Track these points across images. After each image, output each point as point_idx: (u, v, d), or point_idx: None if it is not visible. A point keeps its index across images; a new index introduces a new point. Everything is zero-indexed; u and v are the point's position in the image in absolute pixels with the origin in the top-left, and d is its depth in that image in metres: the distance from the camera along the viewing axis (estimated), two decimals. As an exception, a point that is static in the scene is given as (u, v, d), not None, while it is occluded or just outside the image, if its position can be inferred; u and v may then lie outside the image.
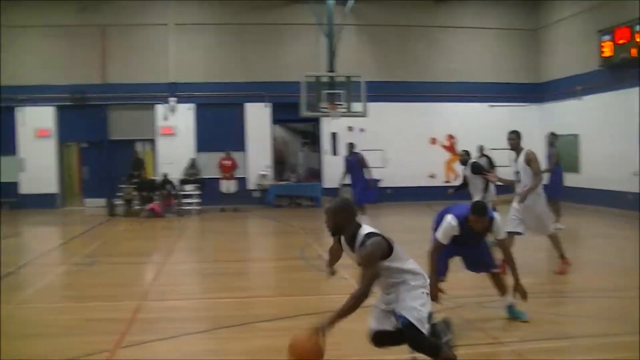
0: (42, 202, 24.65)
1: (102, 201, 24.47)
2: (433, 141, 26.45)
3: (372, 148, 24.46)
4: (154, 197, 22.71)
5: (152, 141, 25.79)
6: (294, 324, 7.84)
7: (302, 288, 10.55)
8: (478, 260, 7.97)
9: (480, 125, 25.35)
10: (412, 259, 5.75)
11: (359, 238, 5.51)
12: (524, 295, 7.57)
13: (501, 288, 8.08)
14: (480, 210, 7.41)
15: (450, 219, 7.49)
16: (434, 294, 7.14)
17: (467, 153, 14.41)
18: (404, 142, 25.68)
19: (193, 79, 25.41)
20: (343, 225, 5.61)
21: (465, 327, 7.58)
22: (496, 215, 7.64)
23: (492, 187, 13.69)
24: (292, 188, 25.69)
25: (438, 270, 7.55)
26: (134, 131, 25.75)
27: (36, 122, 25.00)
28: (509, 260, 7.70)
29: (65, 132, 25.51)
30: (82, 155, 26.66)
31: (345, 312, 5.21)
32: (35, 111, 24.99)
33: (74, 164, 27.38)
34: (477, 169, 13.67)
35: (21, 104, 24.94)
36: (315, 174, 26.57)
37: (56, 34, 25.02)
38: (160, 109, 25.48)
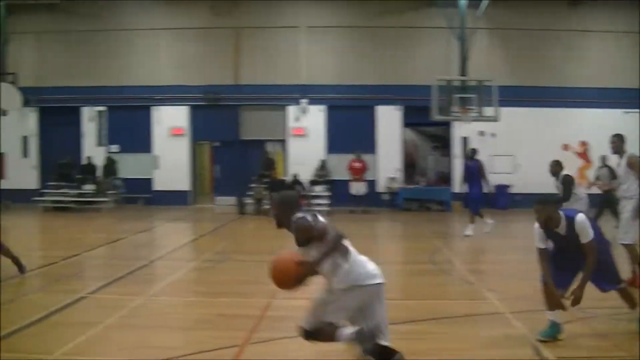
0: (174, 198, 25.40)
1: (232, 199, 24.93)
2: (565, 147, 25.48)
3: (503, 153, 23.86)
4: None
5: (283, 142, 26.08)
6: (426, 328, 7.64)
7: (433, 292, 10.30)
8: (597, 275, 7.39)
9: (613, 131, 24.10)
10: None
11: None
12: None
13: (629, 301, 7.58)
14: (539, 200, 7.08)
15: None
16: (552, 303, 7.06)
17: (558, 164, 13.16)
18: (535, 147, 24.82)
19: (324, 81, 25.53)
20: (282, 218, 5.84)
21: (594, 339, 7.19)
22: (580, 216, 7.10)
23: (585, 197, 12.62)
24: (422, 192, 25.36)
25: (554, 281, 7.09)
26: (265, 131, 26.11)
27: (171, 121, 25.81)
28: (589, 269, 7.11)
29: (199, 131, 26.18)
30: (214, 154, 27.28)
31: (325, 254, 5.58)
32: (170, 110, 25.80)
33: (206, 163, 28.07)
34: (567, 183, 12.60)
35: (157, 104, 25.79)
36: (445, 178, 26.15)
37: (191, 36, 25.74)
38: (291, 110, 25.73)
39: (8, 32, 25.32)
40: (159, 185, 25.94)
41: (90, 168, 25.14)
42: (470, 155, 17.91)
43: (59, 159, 25.26)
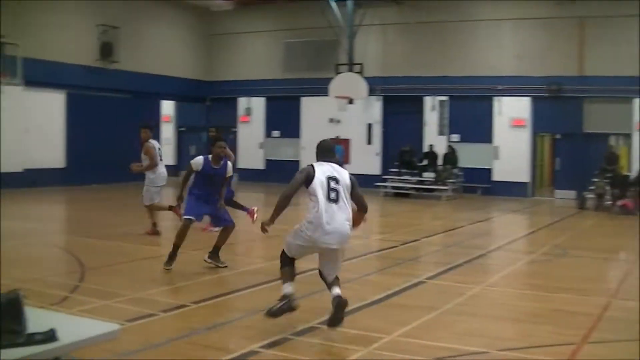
0: (513, 190, 25.19)
1: (572, 193, 24.10)
2: None
3: None
4: (627, 194, 21.65)
5: (627, 135, 24.60)
6: None
7: None
8: None
9: None
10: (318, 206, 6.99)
11: None
12: None
13: None
14: None
15: None
16: None
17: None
18: None
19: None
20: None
21: None
22: None
23: None
24: None
25: None
26: (609, 125, 24.76)
27: (512, 112, 25.60)
28: None
29: (540, 123, 25.62)
30: (554, 146, 26.59)
31: (276, 210, 7.38)
32: (511, 101, 25.59)
33: (546, 155, 27.45)
34: None
35: (499, 94, 25.71)
36: None
37: (534, 26, 25.23)
38: (636, 102, 24.11)
39: (356, 25, 26.80)
40: (498, 175, 25.91)
41: (431, 156, 25.82)
42: None
43: (401, 146, 26.28)
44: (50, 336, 3.56)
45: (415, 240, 14.26)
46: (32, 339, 3.51)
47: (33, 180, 23.15)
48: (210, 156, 10.53)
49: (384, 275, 10.54)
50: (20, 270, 10.02)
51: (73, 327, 3.93)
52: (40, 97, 24.08)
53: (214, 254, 10.52)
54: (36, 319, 3.71)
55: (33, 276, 9.57)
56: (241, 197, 19.41)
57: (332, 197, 7.03)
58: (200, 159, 10.52)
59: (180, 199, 11.22)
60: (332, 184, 7.06)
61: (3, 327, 3.47)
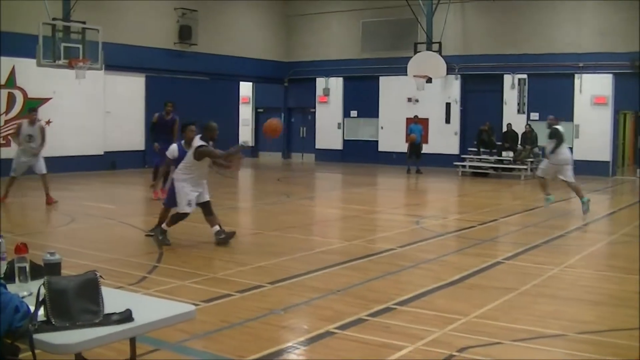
0: (594, 169, 24.63)
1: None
2: None
3: None
4: None
5: None
6: None
7: None
8: None
9: None
10: None
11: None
12: None
13: None
14: None
15: None
16: None
17: None
18: None
19: None
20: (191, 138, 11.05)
21: None
22: None
23: None
24: None
25: None
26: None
27: (593, 90, 25.00)
28: None
29: (622, 101, 24.96)
30: (637, 124, 25.89)
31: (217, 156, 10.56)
32: (593, 79, 25.01)
33: (628, 133, 26.76)
34: None
35: (580, 71, 25.16)
36: None
37: (615, 1, 24.51)
38: None
39: (434, 3, 26.55)
40: (578, 154, 25.22)
41: (510, 135, 25.47)
42: None
43: (480, 125, 26.02)
44: (126, 316, 3.66)
45: (493, 221, 14.18)
46: (109, 319, 3.62)
47: (113, 162, 23.83)
48: (183, 142, 11.48)
49: (462, 255, 10.54)
50: (99, 251, 10.41)
51: (149, 307, 4.06)
52: (120, 80, 24.70)
53: (160, 228, 10.98)
54: (113, 299, 3.83)
55: (112, 256, 9.93)
56: (320, 177, 19.69)
57: None
58: (174, 146, 11.57)
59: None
60: None
61: (80, 307, 3.59)
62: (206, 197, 10.94)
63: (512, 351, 6.04)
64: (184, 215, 10.79)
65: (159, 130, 16.91)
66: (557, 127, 15.42)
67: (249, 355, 5.80)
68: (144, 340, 5.41)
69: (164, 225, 10.94)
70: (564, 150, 15.42)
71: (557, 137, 15.16)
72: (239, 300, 7.63)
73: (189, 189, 10.66)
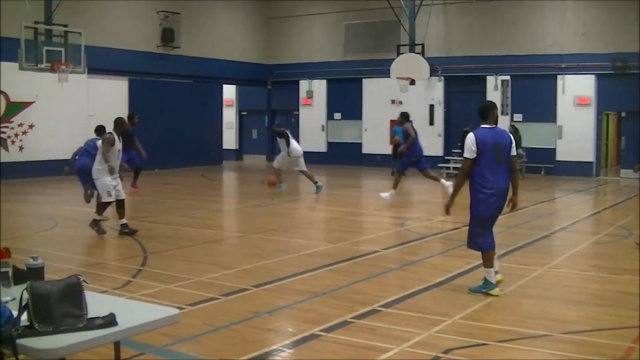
0: (577, 169, 24.81)
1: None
2: None
3: None
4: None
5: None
6: None
7: None
8: None
9: None
10: None
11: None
12: None
13: None
14: None
15: None
16: None
17: None
18: None
19: None
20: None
21: None
22: None
23: None
24: None
25: None
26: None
27: (576, 90, 25.13)
28: None
29: (605, 101, 25.11)
30: (620, 124, 26.05)
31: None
32: (575, 79, 25.14)
33: (611, 134, 26.92)
34: None
35: (563, 72, 25.29)
36: None
37: (597, 2, 24.65)
38: None
39: (416, 5, 26.58)
40: (561, 155, 25.54)
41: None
42: None
43: (464, 126, 26.06)
44: (110, 321, 3.65)
45: (476, 222, 14.20)
46: (92, 324, 3.61)
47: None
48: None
49: (446, 257, 10.57)
50: (83, 255, 10.36)
51: (133, 311, 4.05)
52: (103, 84, 24.59)
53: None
54: (97, 304, 3.82)
55: (96, 260, 9.88)
56: (304, 179, 19.69)
57: None
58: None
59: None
60: None
61: (64, 312, 3.57)
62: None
63: (497, 352, 6.06)
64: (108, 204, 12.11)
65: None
66: (282, 129, 19.14)
67: (234, 358, 5.79)
68: (128, 345, 5.39)
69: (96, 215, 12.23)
70: (295, 145, 19.02)
71: (284, 136, 18.76)
72: (224, 303, 7.62)
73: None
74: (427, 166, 17.55)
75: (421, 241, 11.98)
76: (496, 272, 8.05)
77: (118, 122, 12.61)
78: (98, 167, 12.05)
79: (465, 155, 7.95)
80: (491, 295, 7.88)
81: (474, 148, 7.78)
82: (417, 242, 11.81)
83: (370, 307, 7.39)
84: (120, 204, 12.07)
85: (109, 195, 11.95)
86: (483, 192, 7.85)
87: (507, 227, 13.56)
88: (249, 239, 12.20)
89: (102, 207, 12.28)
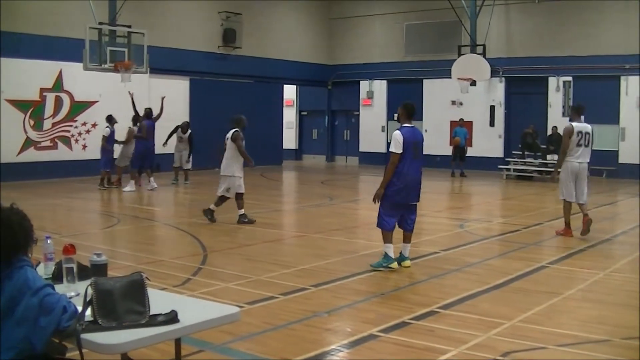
0: (639, 171, 24.23)
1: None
2: None
3: None
4: None
5: None
6: None
7: None
8: None
9: None
10: None
11: None
12: None
13: None
14: None
15: None
16: None
17: None
18: None
19: None
20: None
21: None
22: None
23: None
24: None
25: None
26: None
27: (640, 92, 24.63)
28: None
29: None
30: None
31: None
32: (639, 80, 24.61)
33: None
34: None
35: (626, 73, 24.78)
36: None
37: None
38: None
39: (478, 5, 26.36)
40: (624, 158, 25.02)
41: (555, 138, 25.12)
42: None
43: (524, 128, 25.76)
44: (172, 318, 3.69)
45: (538, 224, 14.05)
46: (154, 320, 3.66)
47: (157, 164, 24.03)
48: None
49: (506, 259, 10.46)
50: (145, 252, 10.53)
51: (194, 309, 4.09)
52: (165, 83, 24.93)
53: None
54: (159, 301, 3.87)
55: (157, 258, 10.04)
56: (364, 180, 19.70)
57: None
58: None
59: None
60: None
61: (127, 308, 3.63)
62: None
63: (556, 356, 6.00)
64: None
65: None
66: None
67: (293, 357, 5.83)
68: (188, 342, 5.47)
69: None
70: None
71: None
72: (283, 303, 7.67)
73: None
74: None
75: (481, 243, 11.88)
76: (407, 258, 9.42)
77: (241, 120, 13.45)
78: (236, 164, 13.13)
79: (393, 150, 9.04)
80: (390, 268, 9.15)
81: (401, 144, 8.93)
82: (476, 244, 11.71)
83: (429, 309, 7.36)
84: (239, 195, 13.07)
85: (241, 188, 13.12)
86: (400, 182, 9.01)
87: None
88: (309, 238, 12.25)
89: (223, 200, 13.20)
